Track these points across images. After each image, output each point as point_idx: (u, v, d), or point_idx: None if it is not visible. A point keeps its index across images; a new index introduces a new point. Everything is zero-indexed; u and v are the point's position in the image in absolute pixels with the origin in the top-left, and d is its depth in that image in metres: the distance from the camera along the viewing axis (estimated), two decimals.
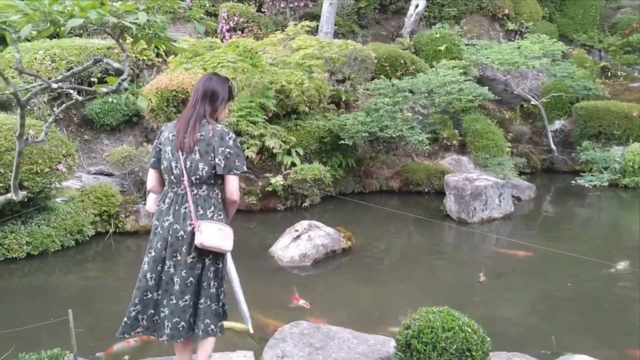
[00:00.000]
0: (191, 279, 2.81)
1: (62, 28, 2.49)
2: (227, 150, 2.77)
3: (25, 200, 5.77)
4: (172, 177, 2.85)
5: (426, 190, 9.32)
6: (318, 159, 8.74)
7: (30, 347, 3.31)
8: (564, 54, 11.76)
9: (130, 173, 7.61)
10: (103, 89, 2.96)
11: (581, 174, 10.43)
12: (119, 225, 6.90)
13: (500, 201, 7.91)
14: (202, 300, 2.83)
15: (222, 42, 10.54)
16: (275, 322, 4.26)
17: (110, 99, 8.38)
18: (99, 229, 6.79)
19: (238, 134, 7.90)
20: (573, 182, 10.30)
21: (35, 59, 8.43)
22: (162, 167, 2.91)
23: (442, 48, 12.11)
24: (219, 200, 2.88)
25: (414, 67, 11.09)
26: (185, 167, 2.80)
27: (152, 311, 2.87)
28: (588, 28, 15.25)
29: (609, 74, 13.92)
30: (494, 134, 10.20)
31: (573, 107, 11.53)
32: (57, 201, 6.56)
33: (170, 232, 2.81)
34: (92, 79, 8.27)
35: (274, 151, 8.21)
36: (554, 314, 4.88)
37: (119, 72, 2.97)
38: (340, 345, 3.56)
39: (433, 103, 9.73)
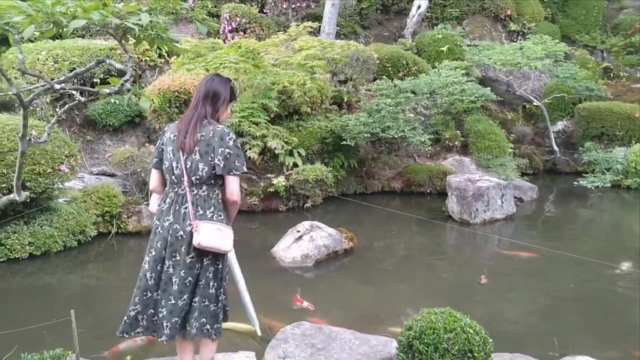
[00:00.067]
0: (190, 278, 2.82)
1: (65, 29, 2.50)
2: (227, 150, 2.78)
3: (28, 200, 5.77)
4: (173, 177, 2.86)
5: (428, 191, 9.31)
6: (320, 160, 8.75)
7: (33, 348, 3.32)
8: (566, 54, 11.74)
9: (133, 174, 7.62)
10: (106, 89, 2.97)
11: (583, 175, 10.42)
12: (121, 226, 6.92)
13: (502, 202, 7.90)
14: (197, 299, 2.84)
15: (225, 43, 10.55)
16: (277, 322, 4.26)
17: (112, 100, 8.39)
18: (101, 230, 6.80)
19: (240, 134, 7.91)
20: (575, 183, 10.28)
21: (38, 59, 8.44)
22: (164, 167, 2.93)
23: (444, 49, 12.10)
24: (220, 200, 2.88)
25: (416, 67, 11.08)
26: (185, 167, 2.81)
27: (152, 311, 2.88)
28: (590, 29, 15.23)
29: (612, 74, 13.90)
30: (496, 134, 10.20)
31: (575, 108, 11.51)
32: (60, 202, 6.57)
33: (170, 232, 2.82)
34: (95, 80, 8.28)
35: (276, 152, 8.21)
36: (557, 315, 4.87)
37: (121, 73, 2.97)
38: (342, 346, 3.56)
39: (435, 104, 9.72)
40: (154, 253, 2.86)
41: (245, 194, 8.01)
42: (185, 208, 2.82)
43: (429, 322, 3.09)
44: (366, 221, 7.94)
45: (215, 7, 12.58)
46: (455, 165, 9.96)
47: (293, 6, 12.90)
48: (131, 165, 7.55)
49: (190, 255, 2.81)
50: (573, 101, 11.74)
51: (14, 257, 5.87)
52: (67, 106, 3.40)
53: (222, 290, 2.92)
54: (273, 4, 12.84)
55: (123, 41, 2.87)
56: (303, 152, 8.54)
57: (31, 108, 7.73)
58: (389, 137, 8.75)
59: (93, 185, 7.27)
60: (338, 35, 12.37)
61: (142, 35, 2.76)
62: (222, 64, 8.29)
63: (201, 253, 2.81)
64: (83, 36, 9.56)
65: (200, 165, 2.79)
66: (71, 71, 7.75)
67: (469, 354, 2.95)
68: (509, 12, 14.30)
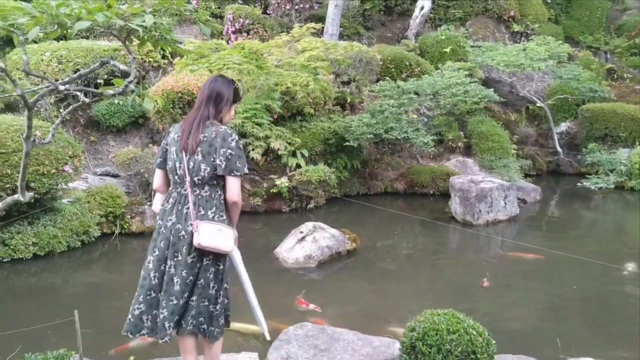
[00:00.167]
0: (191, 278, 2.83)
1: (69, 30, 2.51)
2: (229, 151, 2.79)
3: (32, 201, 5.80)
4: (176, 177, 2.88)
5: (431, 192, 9.30)
6: (323, 161, 8.75)
7: (37, 348, 3.34)
8: (569, 56, 11.72)
9: (136, 174, 7.63)
10: (110, 90, 2.98)
11: (587, 176, 10.39)
12: (125, 227, 6.93)
13: (505, 203, 7.89)
14: (194, 298, 2.84)
15: (228, 44, 10.56)
16: (280, 323, 4.27)
17: (116, 101, 8.41)
18: (104, 230, 6.81)
19: (243, 135, 7.92)
20: (579, 184, 10.26)
21: (42, 60, 8.47)
22: (167, 167, 2.94)
23: (448, 50, 12.08)
24: (222, 201, 2.89)
25: (419, 68, 11.07)
26: (188, 167, 2.82)
27: (156, 312, 2.88)
28: (594, 30, 15.19)
29: (615, 76, 13.86)
30: (500, 136, 10.18)
31: (579, 109, 11.49)
32: (64, 202, 6.59)
33: (173, 232, 2.83)
34: (99, 81, 8.31)
35: (279, 153, 8.22)
36: (560, 316, 4.86)
37: (125, 74, 2.98)
38: (344, 347, 3.56)
39: (438, 105, 9.71)
40: (157, 253, 2.87)
41: (248, 194, 8.03)
42: (188, 208, 2.83)
43: (432, 323, 3.09)
44: (369, 222, 7.94)
45: (219, 8, 12.60)
46: (459, 166, 9.95)
47: (296, 7, 12.90)
48: (135, 166, 7.57)
49: (192, 256, 2.81)
50: (576, 102, 11.71)
51: (18, 257, 5.89)
52: (71, 107, 3.40)
53: (222, 291, 2.92)
54: (276, 5, 12.85)
55: (127, 42, 2.88)
56: (306, 153, 8.54)
57: (35, 109, 7.75)
58: (392, 138, 8.75)
59: (97, 185, 7.29)
60: (341, 37, 12.37)
61: (146, 37, 2.77)
62: (225, 65, 8.30)
63: (202, 253, 2.82)
64: (87, 37, 9.58)
65: (203, 166, 2.81)
66: (75, 72, 7.78)
67: (472, 356, 2.95)
68: (512, 13, 14.28)
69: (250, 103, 8.23)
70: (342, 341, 3.63)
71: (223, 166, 2.79)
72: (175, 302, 2.82)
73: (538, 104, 11.46)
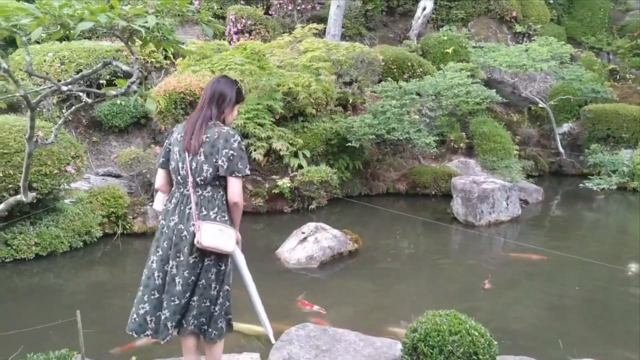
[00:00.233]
0: (193, 278, 2.83)
1: (72, 31, 2.51)
2: (231, 152, 2.79)
3: (34, 201, 5.80)
4: (178, 177, 2.89)
5: (433, 192, 9.30)
6: (325, 161, 8.75)
7: (39, 348, 3.34)
8: (572, 56, 11.71)
9: (138, 175, 7.65)
10: (112, 91, 2.98)
11: (589, 177, 10.38)
12: (127, 227, 6.94)
13: (507, 204, 7.88)
14: (195, 298, 2.85)
15: (230, 44, 10.58)
16: (281, 324, 4.27)
17: (118, 101, 8.42)
18: (106, 231, 6.82)
19: (245, 136, 7.93)
20: (581, 185, 10.25)
21: (45, 61, 8.49)
22: (170, 167, 2.95)
23: (450, 50, 12.08)
24: (224, 202, 2.90)
25: (421, 69, 11.07)
26: (190, 168, 2.83)
27: (159, 313, 2.89)
28: (596, 30, 15.17)
29: (618, 76, 13.84)
30: (502, 136, 10.17)
31: (581, 110, 11.48)
32: (66, 202, 6.60)
33: (175, 232, 2.83)
34: (101, 81, 8.33)
35: (281, 153, 8.22)
36: (562, 317, 4.85)
37: (127, 75, 2.99)
38: (346, 347, 3.56)
39: (440, 105, 9.71)
40: (160, 252, 2.87)
41: (250, 195, 8.03)
42: (190, 209, 2.83)
43: (434, 324, 3.09)
44: (371, 223, 7.94)
45: (221, 8, 12.61)
46: (461, 167, 9.95)
47: (298, 8, 12.91)
48: (137, 167, 7.58)
49: (194, 256, 2.82)
50: (579, 103, 11.70)
51: (20, 257, 5.90)
52: (73, 108, 3.41)
53: (223, 293, 2.91)
54: (278, 5, 12.86)
55: (129, 43, 2.88)
56: (308, 154, 8.54)
57: (38, 109, 7.77)
58: (394, 139, 8.75)
59: (99, 186, 7.30)
60: (343, 37, 12.37)
61: (148, 37, 2.77)
62: (227, 66, 8.31)
63: (204, 254, 2.82)
64: (90, 38, 9.60)
65: (205, 167, 2.81)
66: (78, 73, 7.81)
67: (474, 357, 2.95)
68: (514, 14, 14.27)
69: (253, 104, 8.23)
70: (344, 342, 3.63)
71: (225, 167, 2.79)
72: (176, 302, 2.82)
73: (540, 105, 11.45)
